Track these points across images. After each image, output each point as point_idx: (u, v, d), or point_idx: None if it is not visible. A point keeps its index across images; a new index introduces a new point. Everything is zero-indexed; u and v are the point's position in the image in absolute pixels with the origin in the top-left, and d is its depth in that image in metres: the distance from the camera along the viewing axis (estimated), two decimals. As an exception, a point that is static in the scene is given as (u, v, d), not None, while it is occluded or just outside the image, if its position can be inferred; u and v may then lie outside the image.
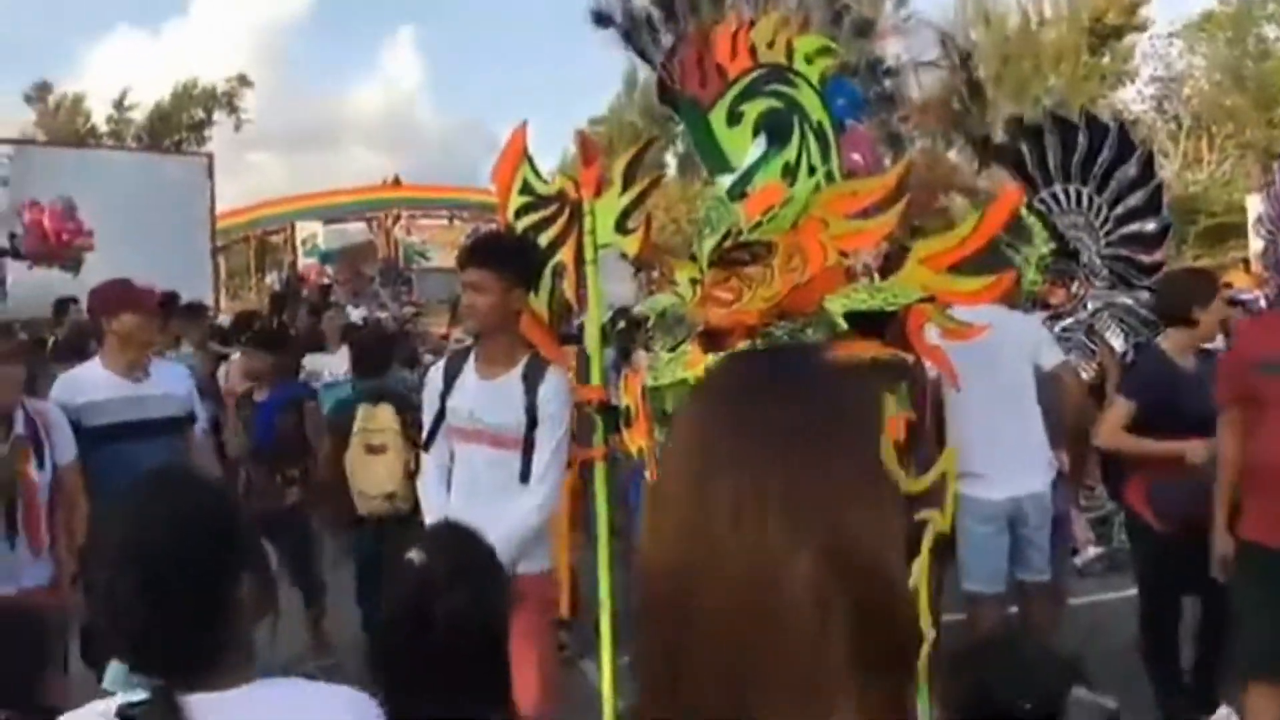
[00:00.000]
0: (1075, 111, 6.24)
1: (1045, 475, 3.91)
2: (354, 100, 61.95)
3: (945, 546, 3.27)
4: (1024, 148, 5.78)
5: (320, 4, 59.58)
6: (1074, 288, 5.66)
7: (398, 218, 21.35)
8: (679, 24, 2.68)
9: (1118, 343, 5.57)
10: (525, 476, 3.01)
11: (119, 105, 31.49)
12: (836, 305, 2.09)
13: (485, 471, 3.07)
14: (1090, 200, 5.75)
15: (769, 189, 2.26)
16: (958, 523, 3.80)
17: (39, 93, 31.59)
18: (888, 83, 3.00)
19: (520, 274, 3.09)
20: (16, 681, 1.60)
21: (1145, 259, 5.67)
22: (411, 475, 4.30)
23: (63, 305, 9.28)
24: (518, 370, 3.08)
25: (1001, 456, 3.76)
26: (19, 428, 3.40)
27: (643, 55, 2.77)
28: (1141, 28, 26.59)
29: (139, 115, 31.56)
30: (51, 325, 9.22)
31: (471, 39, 68.45)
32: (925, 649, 1.80)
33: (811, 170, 2.31)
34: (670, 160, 28.39)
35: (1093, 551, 6.16)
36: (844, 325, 2.07)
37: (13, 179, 14.57)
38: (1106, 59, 26.48)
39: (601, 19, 2.80)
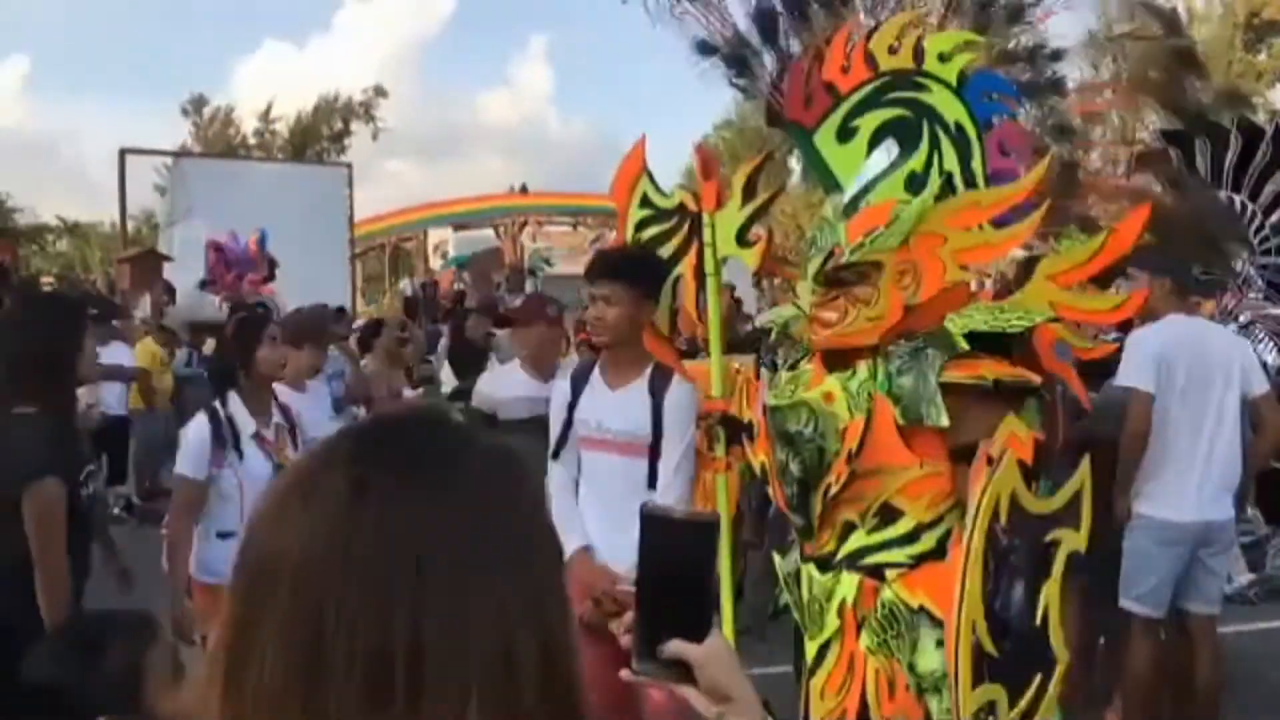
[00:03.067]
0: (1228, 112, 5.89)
1: (1232, 503, 3.72)
2: (485, 108, 63.64)
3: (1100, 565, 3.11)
4: (1172, 153, 5.51)
5: (455, 16, 61.39)
6: (1224, 299, 5.36)
7: (524, 224, 21.81)
8: (781, 46, 2.64)
9: (1270, 357, 5.24)
10: (652, 482, 3.05)
11: (264, 118, 33.09)
12: (957, 325, 2.02)
13: (613, 478, 3.11)
14: (1244, 207, 5.44)
15: (876, 209, 2.20)
16: (1131, 539, 3.65)
17: (194, 106, 33.45)
18: (1053, 69, 2.84)
19: (649, 286, 3.13)
20: (113, 689, 1.67)
21: (1304, 268, 5.33)
22: None
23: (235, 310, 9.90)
24: (644, 379, 3.12)
25: (1194, 477, 3.61)
26: (278, 417, 3.66)
27: (745, 88, 2.75)
28: (1303, 21, 24.99)
29: (284, 126, 33.08)
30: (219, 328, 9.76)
31: (599, 47, 69.41)
32: (1061, 671, 1.73)
33: (948, 176, 2.24)
34: (795, 166, 28.05)
35: (1245, 579, 5.83)
36: (964, 346, 2.01)
37: (170, 188, 15.53)
38: (1263, 56, 24.99)
39: (706, 48, 2.79)
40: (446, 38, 60.81)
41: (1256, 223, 5.40)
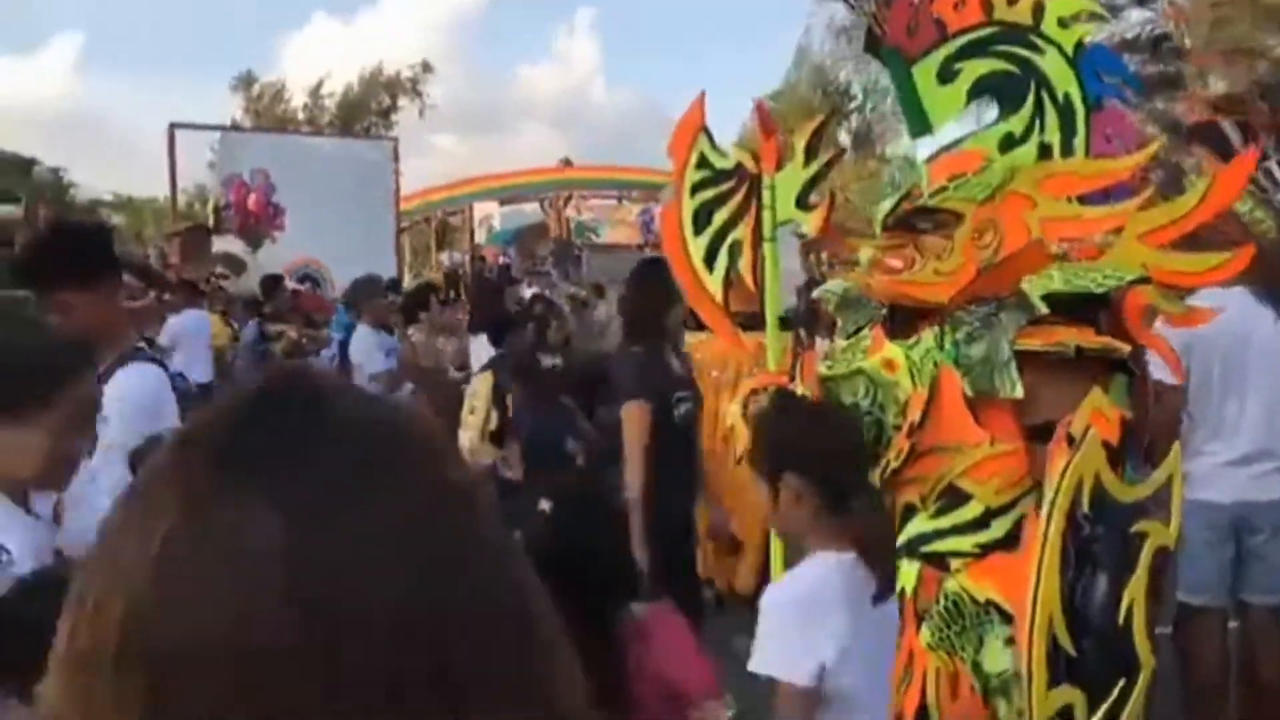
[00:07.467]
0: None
1: None
2: (532, 82, 63.70)
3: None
4: (1226, 125, 5.23)
5: (500, -10, 61.44)
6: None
7: (569, 198, 21.72)
8: None
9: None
10: None
11: (314, 93, 33.36)
12: (1034, 287, 1.80)
13: None
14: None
15: (967, 154, 2.01)
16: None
17: (243, 83, 33.84)
18: (1176, 65, 2.64)
19: (97, 266, 2.61)
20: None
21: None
22: (488, 436, 4.96)
23: (274, 281, 10.39)
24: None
25: (1234, 458, 3.41)
26: None
27: (853, 4, 2.56)
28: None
29: (332, 102, 33.32)
30: (260, 302, 9.99)
31: (646, 20, 69.12)
32: (1145, 676, 1.59)
33: (1046, 147, 2.06)
34: (844, 138, 27.77)
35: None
36: (1042, 309, 1.83)
37: (219, 164, 15.66)
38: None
39: None
40: (493, 9, 60.99)
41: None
